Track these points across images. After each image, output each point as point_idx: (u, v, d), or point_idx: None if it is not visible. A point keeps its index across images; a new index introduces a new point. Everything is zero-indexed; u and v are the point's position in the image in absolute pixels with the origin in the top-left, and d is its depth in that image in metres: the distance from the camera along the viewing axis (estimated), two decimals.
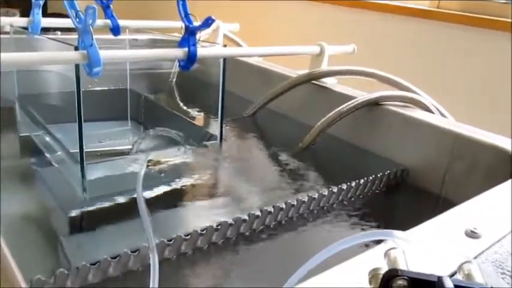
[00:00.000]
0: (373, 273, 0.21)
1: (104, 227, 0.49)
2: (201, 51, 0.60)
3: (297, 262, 0.46)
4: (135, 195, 0.53)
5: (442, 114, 0.71)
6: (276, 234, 0.50)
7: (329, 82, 0.79)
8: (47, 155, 0.64)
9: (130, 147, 0.78)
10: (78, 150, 0.58)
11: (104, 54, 0.52)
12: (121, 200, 0.53)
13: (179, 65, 0.62)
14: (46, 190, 0.57)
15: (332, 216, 0.55)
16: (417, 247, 0.32)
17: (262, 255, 0.48)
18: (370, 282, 0.21)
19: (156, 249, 0.40)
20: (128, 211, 0.51)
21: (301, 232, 0.51)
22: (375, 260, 0.25)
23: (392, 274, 0.19)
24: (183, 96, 0.96)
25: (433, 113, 0.70)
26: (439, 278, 0.19)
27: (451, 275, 0.29)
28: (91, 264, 0.39)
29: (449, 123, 0.66)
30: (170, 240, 0.43)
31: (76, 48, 0.52)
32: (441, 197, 0.63)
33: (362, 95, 0.72)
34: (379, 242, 0.33)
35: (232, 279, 0.43)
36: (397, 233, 0.33)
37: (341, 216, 0.55)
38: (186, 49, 0.60)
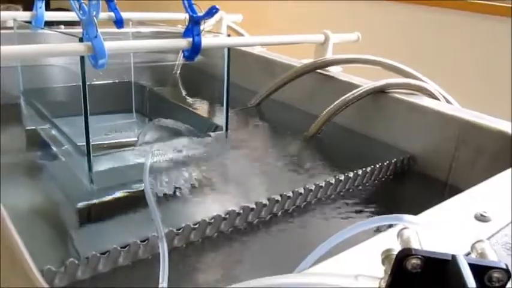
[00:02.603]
0: (386, 254, 0.21)
1: (112, 218, 0.49)
2: (205, 41, 0.60)
3: (305, 250, 0.46)
4: (142, 186, 0.53)
5: (448, 101, 0.71)
6: (284, 223, 0.50)
7: (334, 71, 0.78)
8: (54, 148, 0.64)
9: (136, 139, 0.79)
10: (84, 143, 0.59)
11: (109, 45, 0.52)
12: (128, 190, 0.54)
13: (183, 56, 0.62)
14: (53, 183, 0.57)
15: (340, 204, 0.55)
16: (427, 230, 0.32)
17: (270, 243, 0.48)
18: (383, 263, 0.21)
19: (165, 239, 0.40)
20: (135, 201, 0.51)
21: (309, 220, 0.51)
22: (387, 243, 0.25)
23: (406, 253, 0.19)
24: (187, 88, 0.96)
25: (438, 99, 0.70)
26: (453, 256, 0.19)
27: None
28: (101, 254, 0.39)
29: (455, 109, 0.66)
30: (179, 229, 0.43)
31: (81, 40, 0.52)
32: (448, 184, 0.63)
33: (367, 83, 0.72)
34: (390, 226, 0.33)
35: (243, 266, 0.44)
36: (408, 217, 0.33)
37: (349, 204, 0.55)
38: (190, 39, 0.59)
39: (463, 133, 0.62)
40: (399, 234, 0.22)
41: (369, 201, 0.56)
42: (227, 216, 0.47)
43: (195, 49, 0.60)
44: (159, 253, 0.39)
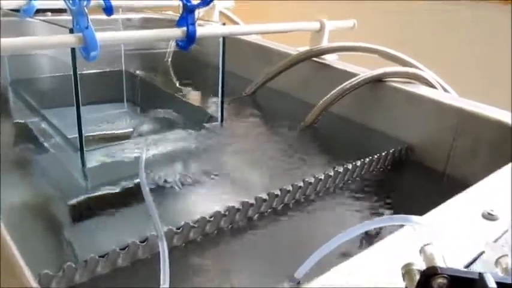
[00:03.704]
0: (407, 269, 0.20)
1: (107, 215, 0.48)
2: (201, 30, 0.59)
3: (308, 245, 0.46)
4: (137, 181, 0.52)
5: (445, 90, 0.70)
6: (285, 217, 0.49)
7: (329, 59, 0.77)
8: (44, 142, 0.62)
9: (128, 130, 0.77)
10: (75, 136, 0.57)
11: (101, 36, 0.50)
12: (124, 186, 0.52)
13: (178, 45, 0.60)
14: (45, 178, 0.56)
15: (339, 197, 0.54)
16: (435, 232, 0.32)
17: (271, 238, 0.47)
18: (403, 278, 0.20)
19: (164, 238, 0.39)
20: (131, 197, 0.50)
21: (310, 214, 0.51)
22: (398, 246, 0.25)
23: (432, 272, 0.19)
24: (180, 76, 0.94)
25: (436, 88, 0.69)
26: (480, 275, 0.18)
27: (474, 260, 0.28)
28: (100, 256, 0.38)
29: (453, 98, 0.65)
30: (179, 229, 0.42)
31: (71, 31, 0.50)
32: (446, 174, 0.62)
33: (364, 72, 0.71)
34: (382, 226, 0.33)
35: (246, 263, 0.43)
36: (415, 218, 0.33)
37: (349, 196, 0.54)
38: (185, 28, 0.58)
39: (462, 123, 0.62)
40: (422, 250, 0.21)
41: (369, 192, 0.56)
42: (227, 212, 0.46)
43: (189, 39, 0.58)
44: (158, 252, 0.38)
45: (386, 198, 0.56)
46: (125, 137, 0.74)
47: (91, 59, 0.51)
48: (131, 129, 0.75)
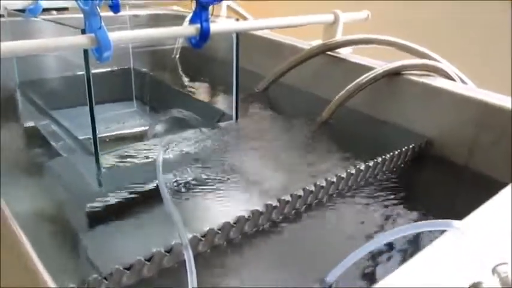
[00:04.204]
0: None
1: (126, 221, 0.46)
2: (214, 26, 0.57)
3: (339, 247, 0.44)
4: (155, 184, 0.50)
5: (463, 81, 0.69)
6: (309, 218, 0.48)
7: (343, 52, 0.75)
8: (55, 145, 0.61)
9: (139, 129, 0.75)
10: (86, 137, 0.55)
11: (114, 36, 0.48)
12: (141, 190, 0.51)
13: (191, 43, 0.58)
14: (59, 184, 0.54)
15: (362, 195, 0.53)
16: (476, 238, 0.30)
17: (297, 240, 0.45)
18: None
19: (189, 246, 0.38)
20: (150, 202, 0.48)
21: (335, 214, 0.49)
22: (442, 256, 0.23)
23: None
24: (189, 73, 0.92)
25: (454, 80, 0.67)
26: None
27: None
28: (124, 269, 0.36)
29: (473, 90, 0.64)
30: (203, 236, 0.41)
31: (83, 32, 0.48)
32: (468, 168, 0.61)
33: (380, 65, 0.69)
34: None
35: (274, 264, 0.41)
36: (456, 223, 0.31)
37: (371, 195, 0.53)
38: (199, 25, 0.56)
39: (483, 115, 0.60)
40: (495, 271, 0.19)
41: (392, 190, 0.54)
42: (250, 216, 0.45)
43: (203, 36, 0.56)
44: (184, 260, 0.37)
45: (411, 194, 0.55)
46: (138, 137, 0.72)
47: (104, 59, 0.49)
48: (143, 129, 0.74)
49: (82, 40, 0.47)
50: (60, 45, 0.45)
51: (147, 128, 0.75)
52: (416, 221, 0.49)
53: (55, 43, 0.46)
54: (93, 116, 0.51)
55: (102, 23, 0.47)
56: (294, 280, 0.40)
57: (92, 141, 0.53)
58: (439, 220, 0.32)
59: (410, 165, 0.61)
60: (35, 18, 0.65)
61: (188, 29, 0.56)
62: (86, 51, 0.49)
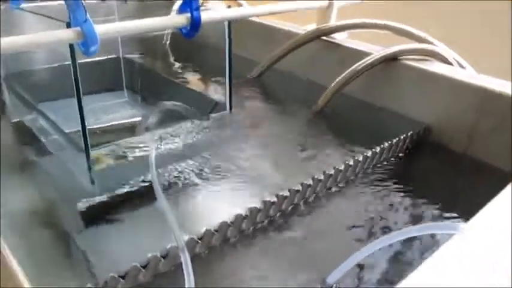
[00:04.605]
0: None
1: (120, 221, 0.45)
2: (205, 15, 0.54)
3: (342, 243, 0.43)
4: (149, 181, 0.49)
5: (461, 66, 0.67)
6: (309, 212, 0.47)
7: (339, 38, 0.73)
8: (45, 142, 0.59)
9: (130, 120, 0.73)
10: (74, 130, 0.53)
11: (101, 29, 0.46)
12: (134, 188, 0.49)
13: (181, 33, 0.56)
14: (48, 182, 0.52)
15: (361, 186, 0.52)
16: (483, 238, 0.29)
17: (296, 237, 0.44)
18: None
19: (186, 248, 0.37)
20: (144, 199, 0.47)
21: (336, 207, 0.48)
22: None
23: None
24: (180, 60, 0.90)
25: (452, 65, 0.66)
26: None
27: None
28: (119, 277, 0.35)
29: (472, 76, 0.62)
30: (200, 239, 0.40)
31: (68, 25, 0.46)
32: (468, 155, 0.60)
33: (377, 50, 0.67)
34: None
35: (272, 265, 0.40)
36: (463, 225, 0.30)
37: (371, 186, 0.52)
38: (189, 14, 0.53)
39: (482, 101, 0.59)
40: None
41: (392, 179, 0.53)
42: (247, 214, 0.44)
43: (194, 26, 0.54)
44: (181, 263, 0.36)
45: (410, 183, 0.54)
46: (129, 128, 0.70)
47: (91, 53, 0.47)
48: (135, 120, 0.72)
49: (67, 35, 0.44)
50: (43, 41, 0.43)
51: (138, 119, 0.73)
52: (417, 211, 0.48)
53: (38, 39, 0.43)
54: (82, 112, 0.49)
55: (88, 16, 0.45)
56: (295, 280, 0.39)
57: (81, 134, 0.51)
58: (444, 222, 0.31)
59: (409, 153, 0.60)
60: (17, 10, 0.62)
61: (178, 18, 0.53)
62: (72, 46, 0.46)
